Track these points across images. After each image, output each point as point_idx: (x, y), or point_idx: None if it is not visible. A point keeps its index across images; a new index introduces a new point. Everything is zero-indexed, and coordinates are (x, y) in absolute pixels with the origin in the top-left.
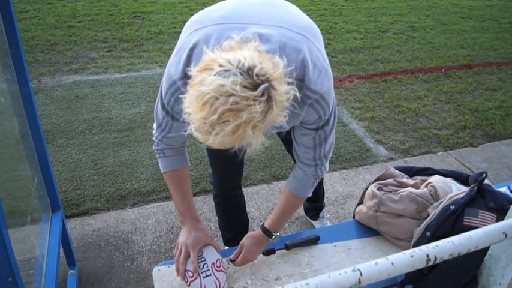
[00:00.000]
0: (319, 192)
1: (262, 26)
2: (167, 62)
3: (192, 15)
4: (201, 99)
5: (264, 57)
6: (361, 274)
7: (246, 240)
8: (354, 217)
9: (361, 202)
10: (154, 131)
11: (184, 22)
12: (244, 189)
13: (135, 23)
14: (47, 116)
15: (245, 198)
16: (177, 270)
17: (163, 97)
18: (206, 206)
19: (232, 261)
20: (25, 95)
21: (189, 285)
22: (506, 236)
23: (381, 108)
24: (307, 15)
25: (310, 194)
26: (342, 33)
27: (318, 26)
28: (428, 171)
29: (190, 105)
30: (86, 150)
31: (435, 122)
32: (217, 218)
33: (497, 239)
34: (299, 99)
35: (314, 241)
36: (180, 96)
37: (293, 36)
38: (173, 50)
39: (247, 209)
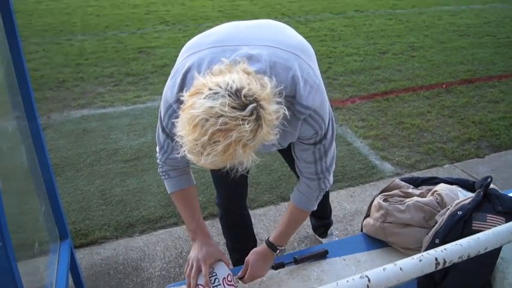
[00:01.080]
0: (326, 209)
1: (254, 46)
2: None
3: None
4: (192, 122)
5: (252, 79)
6: (369, 280)
7: (250, 256)
8: (362, 230)
9: (368, 215)
10: (157, 154)
11: None
12: (251, 211)
13: (141, 58)
14: (55, 150)
15: (253, 219)
16: (189, 285)
17: (162, 120)
18: (214, 230)
19: (240, 279)
20: (34, 131)
21: None
22: None
23: (384, 126)
24: (308, 41)
25: (314, 208)
26: (342, 56)
27: (319, 51)
28: (433, 180)
29: (183, 128)
30: (94, 181)
31: (439, 136)
32: (225, 240)
33: (507, 240)
34: (290, 116)
35: (323, 255)
36: (175, 119)
37: (283, 55)
38: None
39: (255, 230)
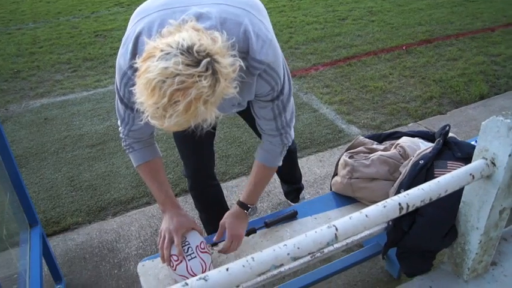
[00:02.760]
0: (295, 173)
1: (203, 5)
2: None
3: None
4: (149, 86)
5: (203, 35)
6: (336, 229)
7: (225, 219)
8: (331, 189)
9: (335, 174)
10: (120, 128)
11: None
12: (223, 184)
13: (97, 42)
14: (17, 142)
15: (225, 192)
16: (162, 257)
17: (119, 90)
18: (188, 206)
19: (215, 246)
20: None
21: (175, 269)
22: (473, 177)
23: (348, 91)
24: (267, 13)
25: (280, 163)
26: (303, 25)
27: (279, 21)
28: (396, 135)
29: (141, 94)
30: (61, 169)
31: (402, 96)
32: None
33: (465, 181)
34: (245, 72)
35: (293, 216)
36: (132, 87)
37: (233, 10)
38: None
39: (229, 202)
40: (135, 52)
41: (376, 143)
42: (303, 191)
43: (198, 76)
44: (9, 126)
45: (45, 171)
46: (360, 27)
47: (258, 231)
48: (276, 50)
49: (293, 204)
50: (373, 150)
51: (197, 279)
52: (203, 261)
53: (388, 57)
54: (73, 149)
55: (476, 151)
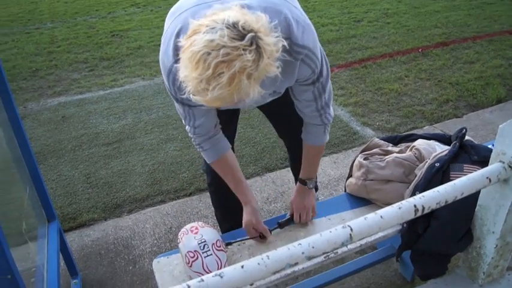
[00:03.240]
0: None
1: None
2: (149, 74)
3: None
4: (194, 59)
5: (247, 14)
6: (351, 230)
7: (292, 199)
8: (345, 191)
9: (350, 175)
10: (186, 127)
11: (162, 35)
12: None
13: (114, 42)
14: (35, 139)
15: None
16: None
17: (170, 91)
18: (202, 204)
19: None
20: (13, 120)
21: (191, 265)
22: (490, 180)
23: (363, 93)
24: None
25: (327, 139)
26: (318, 27)
27: None
28: (411, 137)
29: (185, 68)
30: (78, 166)
31: (418, 99)
32: (213, 210)
33: (482, 185)
34: (288, 58)
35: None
36: (179, 82)
37: (272, 0)
38: (154, 62)
39: None
40: (177, 47)
41: (391, 145)
42: (317, 192)
43: (243, 49)
44: (28, 123)
45: (62, 168)
46: (376, 29)
47: (272, 232)
48: (314, 35)
49: None
50: (388, 152)
51: (213, 276)
52: (219, 259)
53: (403, 59)
54: (89, 147)
55: (493, 154)
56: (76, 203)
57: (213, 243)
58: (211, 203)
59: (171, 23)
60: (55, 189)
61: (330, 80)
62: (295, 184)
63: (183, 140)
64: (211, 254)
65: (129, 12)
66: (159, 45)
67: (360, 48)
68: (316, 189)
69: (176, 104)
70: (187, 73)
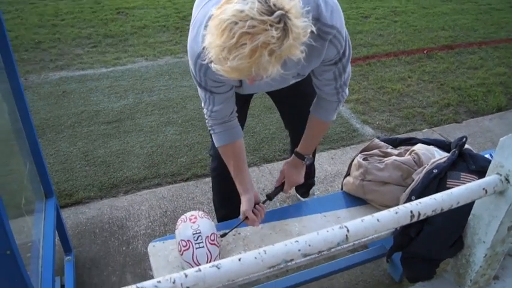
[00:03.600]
0: (310, 169)
1: None
2: (152, 55)
3: (175, 9)
4: (220, 26)
5: None
6: (348, 231)
7: (284, 167)
8: (342, 189)
9: (348, 174)
10: (204, 110)
11: (168, 15)
12: None
13: (119, 19)
14: (35, 112)
15: None
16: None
17: (195, 77)
18: (198, 190)
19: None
20: (16, 91)
21: (182, 254)
22: (486, 192)
23: (365, 90)
24: None
25: (333, 118)
26: None
27: None
28: (411, 141)
29: (211, 35)
30: (76, 143)
31: (419, 100)
32: (211, 196)
33: (478, 195)
34: (317, 38)
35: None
36: (206, 70)
37: None
38: (158, 42)
39: None
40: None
41: (391, 147)
42: (314, 187)
43: (270, 25)
44: (28, 96)
45: (61, 143)
46: (383, 26)
47: (267, 224)
48: (341, 15)
49: (302, 199)
50: (387, 154)
51: (210, 266)
52: (209, 252)
53: (408, 59)
54: (89, 124)
55: (491, 166)
56: (73, 179)
57: (208, 236)
58: (208, 190)
59: (200, 10)
60: (52, 164)
61: (350, 62)
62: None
63: (182, 125)
64: (203, 247)
65: None
66: (164, 25)
67: (365, 44)
68: (314, 183)
69: (199, 89)
70: (211, 40)
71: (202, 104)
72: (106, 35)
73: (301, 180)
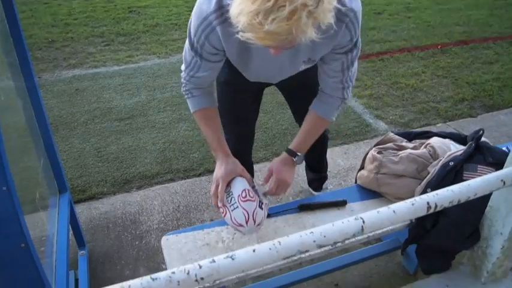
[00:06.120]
0: (323, 161)
1: None
2: (164, 53)
3: (187, 7)
4: None
5: None
6: (363, 222)
7: (273, 164)
8: (356, 182)
9: (362, 167)
10: (182, 73)
11: (180, 14)
12: None
13: (131, 17)
14: (48, 110)
15: None
16: (215, 204)
17: (193, 36)
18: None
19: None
20: (30, 88)
21: (225, 219)
22: (504, 183)
23: (379, 86)
24: None
25: (333, 118)
26: None
27: None
28: (426, 135)
29: (241, 2)
30: (89, 140)
31: (433, 96)
32: None
33: (496, 187)
34: (336, 18)
35: (342, 204)
36: (210, 34)
37: None
38: (170, 40)
39: None
40: (221, 5)
41: (405, 140)
42: (327, 181)
43: None
44: (42, 94)
45: (74, 140)
46: (396, 22)
47: (281, 217)
48: (360, 3)
49: (315, 193)
50: (402, 148)
51: (224, 258)
52: (245, 210)
53: (422, 55)
54: (102, 121)
55: (509, 158)
56: (86, 175)
57: (239, 195)
58: None
59: None
60: (66, 160)
61: (357, 58)
62: (306, 170)
63: (194, 121)
64: (237, 207)
65: None
66: (176, 24)
67: (378, 40)
68: (326, 177)
69: (187, 50)
70: (243, 6)
71: (183, 67)
72: (118, 33)
73: (290, 180)
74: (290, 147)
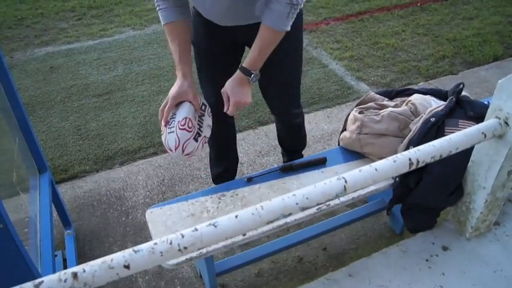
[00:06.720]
0: (302, 141)
1: None
2: (139, 24)
3: None
4: None
5: None
6: (346, 181)
7: (226, 85)
8: (338, 144)
9: (344, 129)
10: None
11: None
12: None
13: None
14: (23, 90)
15: None
16: (159, 118)
17: None
18: (194, 157)
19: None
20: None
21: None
22: (485, 136)
23: (359, 47)
24: None
25: (288, 28)
26: None
27: None
28: (407, 92)
29: None
30: (68, 118)
31: (414, 54)
32: (208, 162)
33: (477, 140)
34: None
35: (322, 162)
36: None
37: None
38: (144, 11)
39: None
40: None
41: (386, 99)
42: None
43: None
44: (15, 74)
45: (52, 119)
46: None
47: (265, 184)
48: None
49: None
50: (383, 107)
51: (206, 225)
52: (178, 137)
53: (401, 13)
54: (79, 98)
55: (489, 110)
56: (67, 154)
57: (179, 121)
58: (204, 156)
59: None
60: (45, 141)
61: None
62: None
63: None
64: (173, 132)
65: None
66: None
67: (357, 0)
68: (304, 145)
69: None
70: None
71: None
72: (90, 6)
73: (248, 99)
74: (244, 65)
